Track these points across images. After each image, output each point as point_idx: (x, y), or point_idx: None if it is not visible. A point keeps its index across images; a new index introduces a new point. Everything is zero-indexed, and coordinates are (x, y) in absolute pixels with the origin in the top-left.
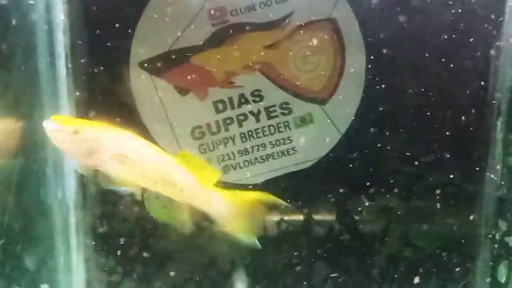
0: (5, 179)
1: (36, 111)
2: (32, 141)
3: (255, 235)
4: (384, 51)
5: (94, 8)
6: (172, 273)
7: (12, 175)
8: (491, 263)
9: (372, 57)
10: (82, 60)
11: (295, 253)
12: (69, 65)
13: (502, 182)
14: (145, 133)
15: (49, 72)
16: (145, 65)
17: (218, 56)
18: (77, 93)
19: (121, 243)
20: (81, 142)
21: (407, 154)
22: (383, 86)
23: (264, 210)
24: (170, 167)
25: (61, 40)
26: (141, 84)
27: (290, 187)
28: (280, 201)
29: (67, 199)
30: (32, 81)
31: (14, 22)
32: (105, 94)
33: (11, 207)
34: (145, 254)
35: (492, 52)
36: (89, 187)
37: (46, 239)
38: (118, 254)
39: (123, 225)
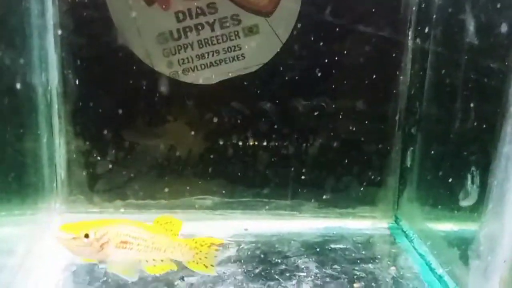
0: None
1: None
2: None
3: (212, 268)
4: None
5: None
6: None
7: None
8: (401, 151)
9: None
10: None
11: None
12: None
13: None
14: (118, 37)
15: None
16: None
17: None
18: (64, 9)
19: (97, 131)
20: (93, 243)
21: (336, 59)
22: (317, 5)
23: (215, 249)
24: (154, 236)
25: None
26: None
27: (240, 87)
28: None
29: (50, 86)
30: None
31: None
32: (86, 7)
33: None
34: (117, 141)
35: None
36: (70, 78)
37: (32, 121)
38: (95, 139)
39: (99, 115)
